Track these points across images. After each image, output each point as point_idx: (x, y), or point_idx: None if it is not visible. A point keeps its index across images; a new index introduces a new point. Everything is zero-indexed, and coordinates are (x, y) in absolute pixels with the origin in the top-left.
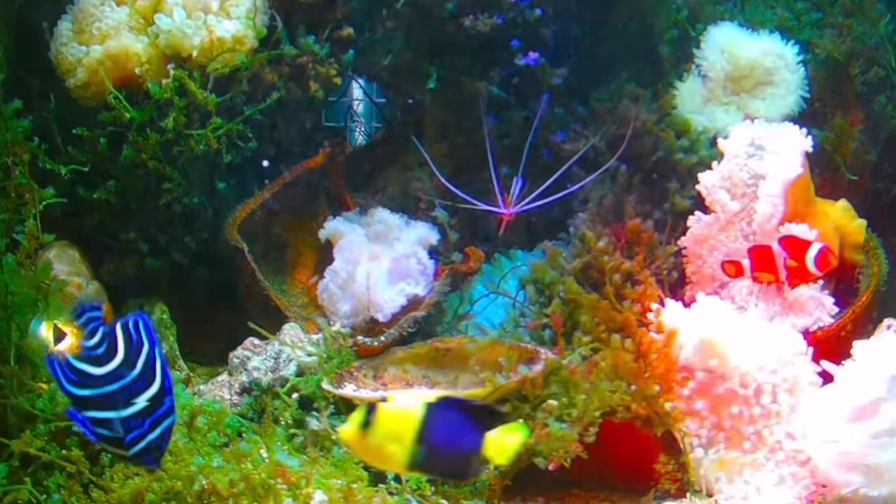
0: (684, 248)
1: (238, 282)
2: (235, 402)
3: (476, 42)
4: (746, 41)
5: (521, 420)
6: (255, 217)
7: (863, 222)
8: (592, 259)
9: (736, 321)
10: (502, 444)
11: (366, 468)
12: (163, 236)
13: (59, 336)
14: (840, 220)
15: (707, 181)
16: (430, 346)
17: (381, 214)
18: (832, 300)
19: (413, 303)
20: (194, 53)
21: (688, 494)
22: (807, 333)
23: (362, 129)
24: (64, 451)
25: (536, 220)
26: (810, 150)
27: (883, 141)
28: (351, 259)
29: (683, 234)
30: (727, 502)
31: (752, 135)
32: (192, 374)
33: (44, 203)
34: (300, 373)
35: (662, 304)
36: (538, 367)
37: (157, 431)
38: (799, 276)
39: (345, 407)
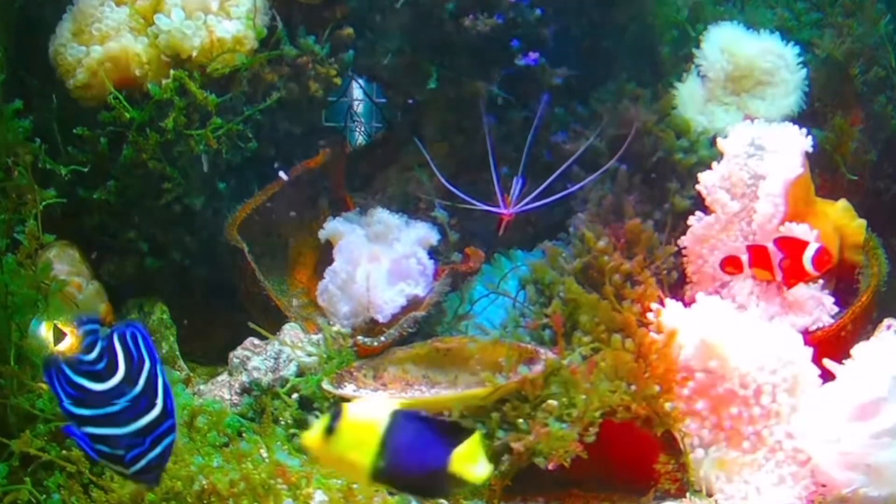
0: (685, 247)
1: (238, 282)
2: (235, 402)
3: (476, 42)
4: (746, 41)
5: (478, 433)
6: (255, 217)
7: (863, 222)
8: (592, 259)
9: (736, 321)
10: (467, 459)
11: None
12: (163, 236)
13: (59, 336)
14: (840, 220)
15: (707, 181)
16: (430, 346)
17: (381, 215)
18: (832, 300)
19: (413, 303)
20: (194, 54)
21: (688, 494)
22: (806, 333)
23: (362, 129)
24: (64, 451)
25: (536, 221)
26: (810, 150)
27: (883, 141)
28: (351, 260)
29: (683, 234)
30: (727, 502)
31: (752, 135)
32: (192, 374)
33: (44, 203)
34: (300, 373)
35: (662, 304)
36: (538, 368)
37: (158, 450)
38: (795, 275)
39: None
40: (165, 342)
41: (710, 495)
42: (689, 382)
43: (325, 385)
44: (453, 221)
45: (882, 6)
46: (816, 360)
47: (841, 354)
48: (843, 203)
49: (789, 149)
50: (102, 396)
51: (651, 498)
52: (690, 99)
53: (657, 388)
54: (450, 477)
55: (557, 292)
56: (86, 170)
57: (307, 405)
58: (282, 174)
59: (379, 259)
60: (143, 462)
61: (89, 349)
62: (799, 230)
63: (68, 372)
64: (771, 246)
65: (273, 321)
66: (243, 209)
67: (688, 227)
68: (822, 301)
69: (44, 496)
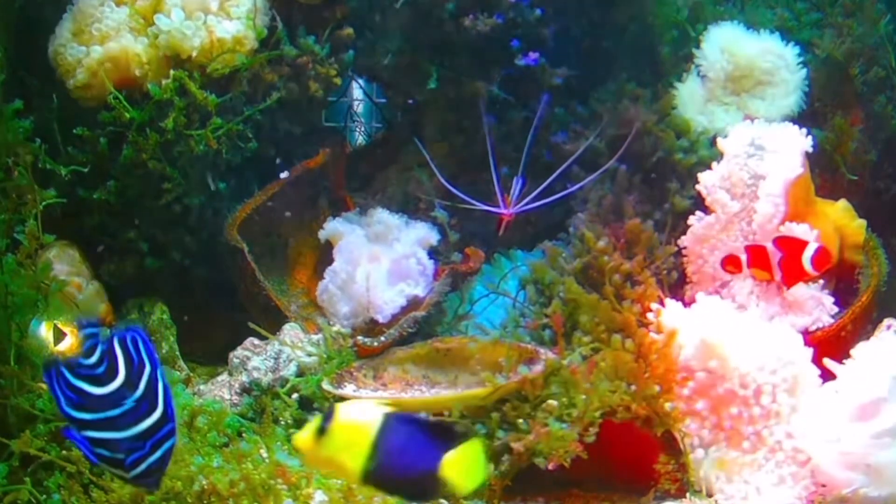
0: (685, 247)
1: (238, 282)
2: (235, 402)
3: (476, 42)
4: (746, 41)
5: (477, 438)
6: (254, 217)
7: (863, 222)
8: (592, 259)
9: (736, 321)
10: (462, 467)
11: None
12: (163, 236)
13: (59, 336)
14: (840, 220)
15: (707, 181)
16: (431, 346)
17: (381, 215)
18: (832, 300)
19: (413, 303)
20: (194, 54)
21: (688, 494)
22: (806, 333)
23: (362, 129)
24: (64, 451)
25: (536, 221)
26: (810, 149)
27: (883, 141)
28: (350, 260)
29: (683, 234)
30: (727, 502)
31: (752, 135)
32: (192, 374)
33: (44, 203)
34: (300, 373)
35: (662, 304)
36: (538, 368)
37: (158, 454)
38: (795, 275)
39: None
40: (165, 342)
41: (710, 495)
42: (689, 382)
43: (325, 385)
44: (453, 221)
45: (882, 6)
46: (816, 360)
47: (841, 354)
48: (843, 203)
49: (789, 149)
50: (102, 400)
51: (651, 498)
52: (690, 99)
53: (657, 388)
54: (440, 481)
55: (557, 292)
56: (86, 170)
57: (307, 405)
58: (283, 174)
59: (379, 259)
60: (143, 466)
61: (89, 353)
62: (799, 230)
63: (68, 375)
64: (770, 245)
65: (273, 321)
66: (243, 209)
67: (688, 227)
68: (822, 301)
69: (44, 496)
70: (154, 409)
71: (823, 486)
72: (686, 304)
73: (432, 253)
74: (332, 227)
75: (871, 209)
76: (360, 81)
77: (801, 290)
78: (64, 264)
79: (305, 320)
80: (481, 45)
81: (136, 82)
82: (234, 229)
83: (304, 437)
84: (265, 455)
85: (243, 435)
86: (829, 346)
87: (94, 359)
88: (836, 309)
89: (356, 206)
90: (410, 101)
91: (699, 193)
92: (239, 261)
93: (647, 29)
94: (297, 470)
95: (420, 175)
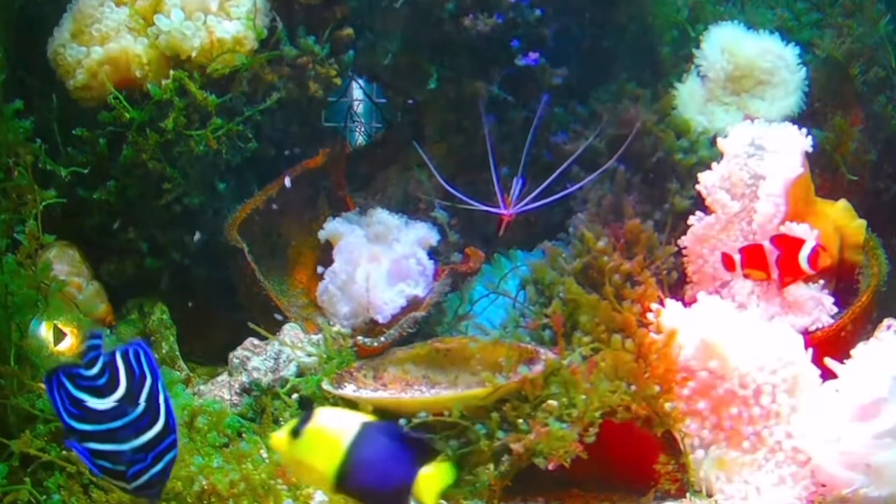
0: (685, 247)
1: (238, 282)
2: (235, 402)
3: (476, 42)
4: (746, 41)
5: (448, 460)
6: (254, 217)
7: (863, 222)
8: (592, 259)
9: (736, 321)
10: (431, 483)
11: None
12: (163, 236)
13: (59, 336)
14: (840, 220)
15: (707, 181)
16: (431, 346)
17: (381, 215)
18: (832, 300)
19: (413, 303)
20: (194, 54)
21: (688, 495)
22: (806, 333)
23: (362, 129)
24: (64, 451)
25: (536, 221)
26: (810, 149)
27: (883, 141)
28: (350, 260)
29: (683, 234)
30: (727, 502)
31: (752, 135)
32: (192, 374)
33: (44, 203)
34: (300, 373)
35: (662, 304)
36: (538, 368)
37: (160, 466)
38: (791, 273)
39: (345, 407)
40: (165, 342)
41: (710, 495)
42: (690, 382)
43: (325, 385)
44: (453, 222)
45: (882, 6)
46: (816, 360)
47: (841, 354)
48: (843, 203)
49: (789, 149)
50: (103, 414)
51: (651, 498)
52: (690, 99)
53: (657, 388)
54: (412, 497)
55: (557, 292)
56: (86, 170)
57: (307, 405)
58: (287, 182)
59: (379, 259)
60: (144, 478)
61: (91, 364)
62: (799, 230)
63: (69, 387)
64: (767, 243)
65: (273, 321)
66: (243, 209)
67: (688, 227)
68: (821, 301)
69: (44, 496)
70: (156, 421)
71: (823, 486)
72: (686, 304)
73: (432, 253)
74: (332, 228)
75: (871, 209)
76: (360, 81)
77: (800, 291)
78: (64, 264)
79: (305, 320)
80: (481, 45)
81: (136, 83)
82: (234, 229)
83: (278, 436)
84: (265, 455)
85: (243, 435)
86: (829, 346)
87: (95, 370)
88: (836, 309)
89: (356, 206)
90: (410, 102)
91: (699, 193)
92: (239, 261)
93: (647, 29)
94: None
95: (420, 175)
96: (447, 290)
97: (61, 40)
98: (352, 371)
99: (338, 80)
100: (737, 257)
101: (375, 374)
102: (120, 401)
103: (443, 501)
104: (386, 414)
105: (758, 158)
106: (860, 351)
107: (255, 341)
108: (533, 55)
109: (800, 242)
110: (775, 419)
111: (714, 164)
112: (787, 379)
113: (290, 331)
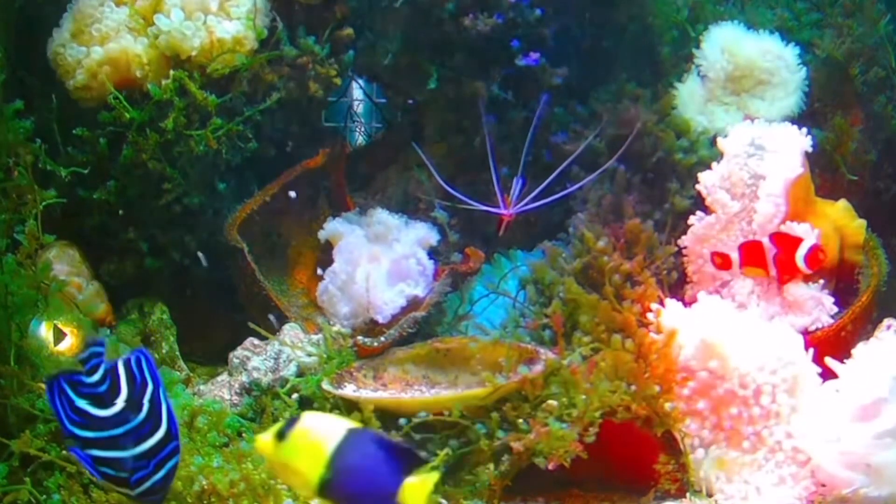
0: (685, 247)
1: (238, 282)
2: (235, 402)
3: (476, 42)
4: (746, 41)
5: (434, 469)
6: (255, 217)
7: (863, 222)
8: (592, 259)
9: (736, 321)
10: (416, 493)
11: None
12: (163, 236)
13: (59, 336)
14: (840, 220)
15: (707, 181)
16: (431, 346)
17: (381, 215)
18: (832, 300)
19: (413, 303)
20: (194, 54)
21: (688, 494)
22: (806, 333)
23: (362, 129)
24: (64, 451)
25: (536, 221)
26: (810, 149)
27: (883, 141)
28: (350, 260)
29: (683, 234)
30: (727, 502)
31: (752, 135)
32: (192, 374)
33: (44, 203)
34: (300, 373)
35: (662, 304)
36: (538, 368)
37: (162, 472)
38: (788, 271)
39: (345, 407)
40: (165, 342)
41: (710, 495)
42: (690, 382)
43: (325, 385)
44: (453, 222)
45: (882, 6)
46: (817, 359)
47: (841, 354)
48: (843, 203)
49: (789, 149)
50: (105, 421)
51: (651, 498)
52: (690, 99)
53: (657, 388)
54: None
55: (557, 292)
56: (86, 170)
57: (307, 405)
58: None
59: (379, 259)
60: (147, 484)
61: (92, 371)
62: (800, 230)
63: (71, 394)
64: (766, 241)
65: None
66: (243, 209)
67: (688, 227)
68: (821, 301)
69: (44, 496)
70: (157, 428)
71: (823, 486)
72: (686, 304)
73: (432, 253)
74: (332, 228)
75: (871, 209)
76: (360, 81)
77: (800, 290)
78: (64, 264)
79: (305, 320)
80: (481, 45)
81: (136, 83)
82: (234, 229)
83: (264, 439)
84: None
85: (243, 435)
86: (829, 346)
87: (96, 377)
88: (835, 309)
89: (356, 205)
90: (410, 102)
91: (699, 193)
92: (239, 261)
93: (647, 29)
94: None
95: (420, 175)
96: (447, 290)
97: (61, 40)
98: (352, 371)
99: (338, 80)
100: (734, 255)
101: (375, 374)
102: (122, 408)
103: (443, 501)
104: (386, 414)
105: (758, 158)
106: (860, 351)
107: (255, 341)
108: (533, 55)
109: (798, 241)
110: (775, 419)
111: (714, 164)
112: (787, 379)
113: (290, 331)
